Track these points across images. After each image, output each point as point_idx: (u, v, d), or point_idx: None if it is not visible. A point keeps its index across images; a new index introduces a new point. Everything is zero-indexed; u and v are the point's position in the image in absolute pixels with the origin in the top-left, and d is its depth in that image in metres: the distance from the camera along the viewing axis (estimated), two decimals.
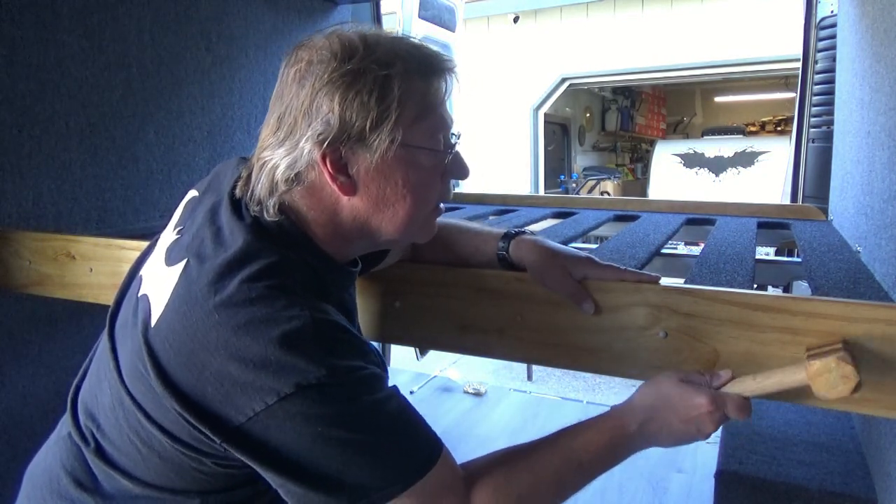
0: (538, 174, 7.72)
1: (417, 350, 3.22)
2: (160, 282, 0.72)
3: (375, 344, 3.56)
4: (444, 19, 4.04)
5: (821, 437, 1.60)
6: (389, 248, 0.82)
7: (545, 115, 7.71)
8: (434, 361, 3.47)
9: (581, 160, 9.28)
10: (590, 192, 8.47)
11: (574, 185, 8.66)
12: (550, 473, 0.71)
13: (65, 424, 0.80)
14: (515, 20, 7.48)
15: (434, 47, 0.74)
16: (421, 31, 3.76)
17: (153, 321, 0.69)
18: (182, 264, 0.71)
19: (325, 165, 0.68)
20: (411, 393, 3.06)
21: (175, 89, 1.99)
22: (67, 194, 1.69)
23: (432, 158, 0.73)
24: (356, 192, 0.70)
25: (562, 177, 8.68)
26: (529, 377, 4.57)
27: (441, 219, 0.85)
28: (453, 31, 4.17)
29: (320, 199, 0.71)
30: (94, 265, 1.28)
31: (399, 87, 0.67)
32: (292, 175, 0.69)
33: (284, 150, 0.68)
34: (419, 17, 3.73)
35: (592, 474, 0.73)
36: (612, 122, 9.80)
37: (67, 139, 1.68)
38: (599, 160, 9.84)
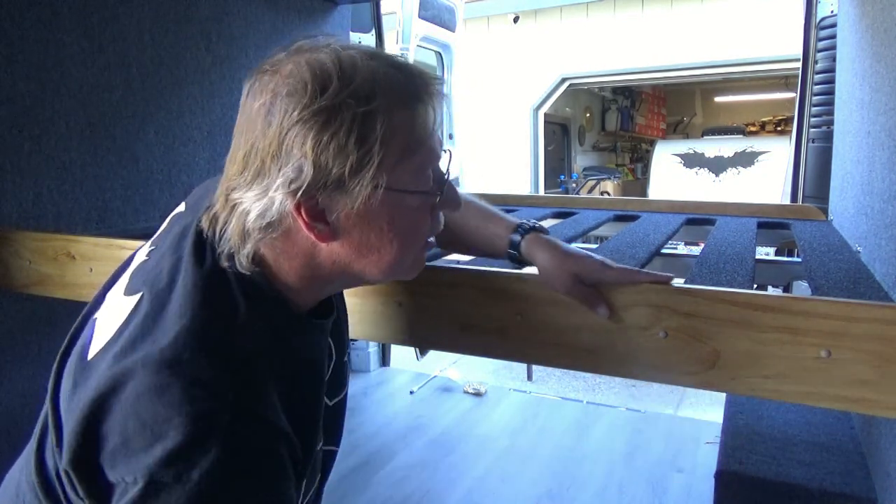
0: (538, 174, 7.72)
1: (417, 350, 3.22)
2: (114, 310, 0.68)
3: (375, 344, 3.52)
4: (444, 19, 4.05)
5: (821, 437, 1.60)
6: (371, 285, 0.76)
7: (545, 115, 7.71)
8: (434, 361, 3.47)
9: (581, 160, 9.29)
10: (590, 192, 8.47)
11: (574, 185, 8.67)
12: None
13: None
14: (515, 20, 7.49)
15: (418, 67, 0.66)
16: (421, 31, 3.77)
17: (90, 353, 0.64)
18: (137, 298, 0.66)
19: (300, 215, 0.61)
20: (411, 393, 3.07)
21: (175, 89, 1.99)
22: (67, 194, 1.69)
23: (420, 199, 0.66)
24: (336, 238, 0.63)
25: (562, 177, 8.68)
26: (529, 377, 4.57)
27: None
28: (453, 31, 4.17)
29: (295, 244, 0.64)
30: (94, 265, 1.28)
31: (382, 125, 0.59)
32: (264, 224, 0.61)
33: (254, 195, 0.61)
34: (419, 17, 3.73)
35: None
36: (612, 122, 9.80)
37: (67, 139, 1.68)
38: (599, 160, 9.85)
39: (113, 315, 0.67)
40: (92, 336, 0.66)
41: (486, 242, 0.92)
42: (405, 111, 0.62)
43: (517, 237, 0.89)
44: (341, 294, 0.85)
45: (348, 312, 0.94)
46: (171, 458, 0.53)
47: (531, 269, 0.90)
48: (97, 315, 0.70)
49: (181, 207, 0.78)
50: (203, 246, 0.66)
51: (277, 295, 0.66)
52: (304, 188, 0.59)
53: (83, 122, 1.72)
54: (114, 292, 0.72)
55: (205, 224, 0.66)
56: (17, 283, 1.40)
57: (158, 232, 0.77)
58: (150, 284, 0.66)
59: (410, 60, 3.68)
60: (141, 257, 0.74)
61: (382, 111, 0.60)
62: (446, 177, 0.69)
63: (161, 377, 0.56)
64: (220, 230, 0.64)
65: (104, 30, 1.76)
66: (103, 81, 1.77)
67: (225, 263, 0.64)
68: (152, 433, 0.54)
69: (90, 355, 0.64)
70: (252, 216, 0.61)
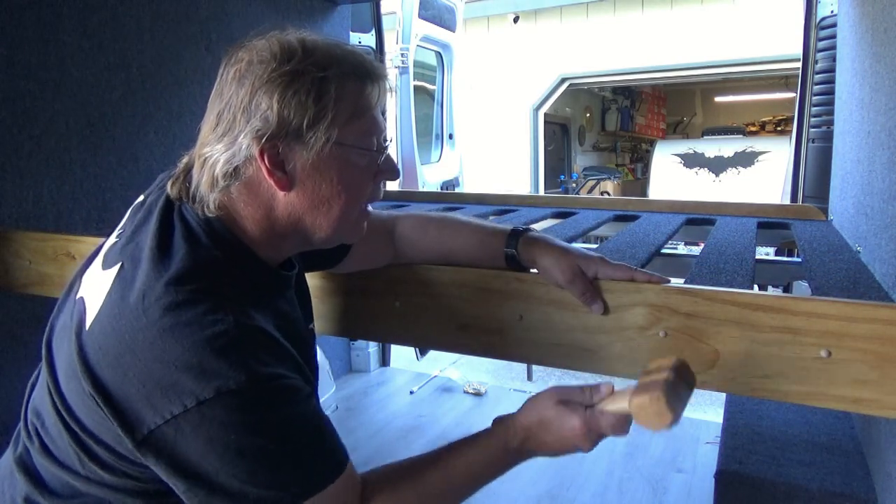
0: (538, 174, 7.72)
1: (417, 350, 3.22)
2: (96, 285, 0.74)
3: (375, 344, 3.53)
4: (444, 19, 4.05)
5: (821, 437, 1.60)
6: (323, 247, 0.82)
7: (545, 115, 7.71)
8: (434, 361, 3.47)
9: (581, 160, 9.29)
10: (590, 192, 8.48)
11: (574, 185, 8.67)
12: (436, 492, 0.76)
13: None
14: (515, 20, 7.49)
15: (367, 55, 0.77)
16: (421, 31, 3.77)
17: (87, 324, 0.70)
18: (117, 268, 0.72)
19: (263, 160, 0.70)
20: (411, 393, 3.07)
21: (175, 89, 1.99)
22: (67, 194, 1.69)
23: (365, 158, 0.75)
24: (292, 187, 0.72)
25: (562, 177, 8.68)
26: (529, 377, 4.56)
27: (438, 213, 0.83)
28: (453, 31, 4.17)
29: (257, 195, 0.73)
30: None
31: (335, 89, 0.70)
32: (231, 169, 0.70)
33: (223, 145, 0.70)
34: (419, 16, 3.73)
35: (474, 489, 0.78)
36: (612, 122, 9.80)
37: (67, 139, 1.68)
38: (599, 160, 9.85)
39: (97, 288, 0.73)
40: (85, 311, 0.72)
41: (481, 253, 0.94)
42: (355, 82, 0.73)
43: (513, 241, 0.90)
44: (303, 275, 0.90)
45: (347, 312, 0.94)
46: (206, 377, 0.61)
47: (531, 271, 0.91)
48: (82, 294, 0.75)
49: (140, 198, 0.84)
50: (173, 208, 0.74)
51: (240, 243, 0.74)
52: (268, 135, 0.68)
53: (83, 122, 1.72)
54: (89, 273, 0.78)
55: (171, 189, 0.75)
56: (17, 283, 1.40)
57: (122, 223, 0.83)
58: (128, 254, 0.73)
59: (410, 60, 3.69)
60: (109, 243, 0.80)
61: (336, 78, 0.71)
62: (387, 150, 0.79)
63: (165, 321, 0.64)
64: (194, 185, 0.72)
65: (104, 30, 1.76)
66: (103, 81, 1.77)
67: (195, 205, 0.72)
68: (177, 367, 0.62)
69: (87, 325, 0.70)
70: (220, 163, 0.70)
